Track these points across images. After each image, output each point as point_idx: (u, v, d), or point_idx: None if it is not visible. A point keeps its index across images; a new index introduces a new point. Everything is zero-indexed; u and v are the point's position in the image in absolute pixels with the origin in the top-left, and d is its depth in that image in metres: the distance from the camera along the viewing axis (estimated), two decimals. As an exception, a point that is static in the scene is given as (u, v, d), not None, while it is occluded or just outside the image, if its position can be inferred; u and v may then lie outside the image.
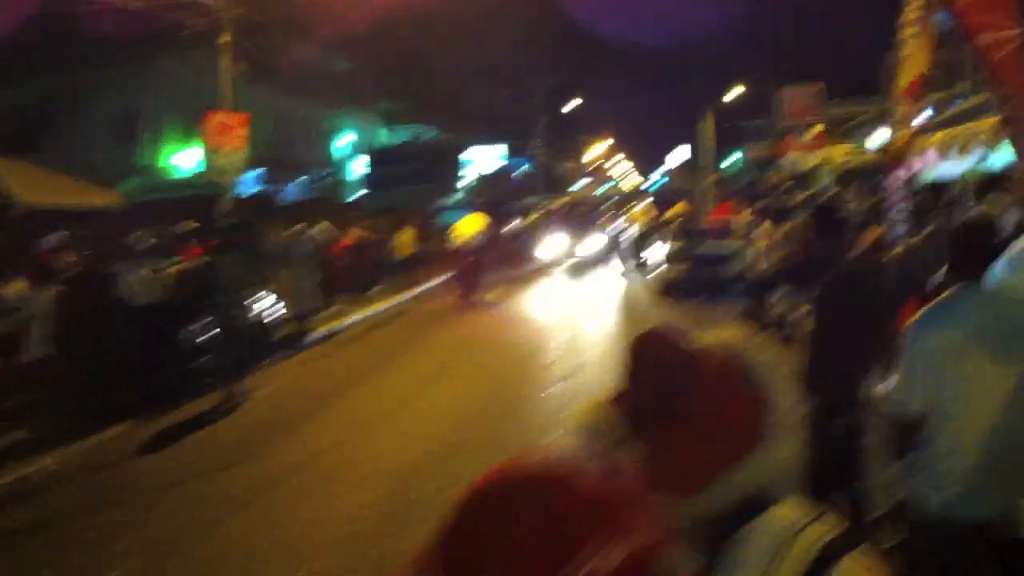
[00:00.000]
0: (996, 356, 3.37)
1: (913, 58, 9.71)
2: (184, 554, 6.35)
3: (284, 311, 14.86)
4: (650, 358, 1.52)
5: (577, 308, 18.93)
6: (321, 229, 19.49)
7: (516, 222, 45.31)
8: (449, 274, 20.78)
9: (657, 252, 20.98)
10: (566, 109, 60.54)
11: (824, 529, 1.47)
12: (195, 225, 15.06)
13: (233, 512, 7.14)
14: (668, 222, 20.90)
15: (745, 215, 15.87)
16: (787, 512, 1.49)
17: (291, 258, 15.93)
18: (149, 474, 8.33)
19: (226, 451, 8.92)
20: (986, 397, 3.37)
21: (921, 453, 3.48)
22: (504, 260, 25.06)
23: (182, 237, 14.60)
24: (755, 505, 1.48)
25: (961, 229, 3.77)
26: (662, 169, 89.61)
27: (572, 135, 75.52)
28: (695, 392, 1.47)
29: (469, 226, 20.90)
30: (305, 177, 40.17)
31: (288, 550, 6.28)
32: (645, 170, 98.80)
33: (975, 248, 3.58)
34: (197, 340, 11.60)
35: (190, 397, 11.10)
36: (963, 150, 7.90)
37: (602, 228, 26.89)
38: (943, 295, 3.78)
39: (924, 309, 3.68)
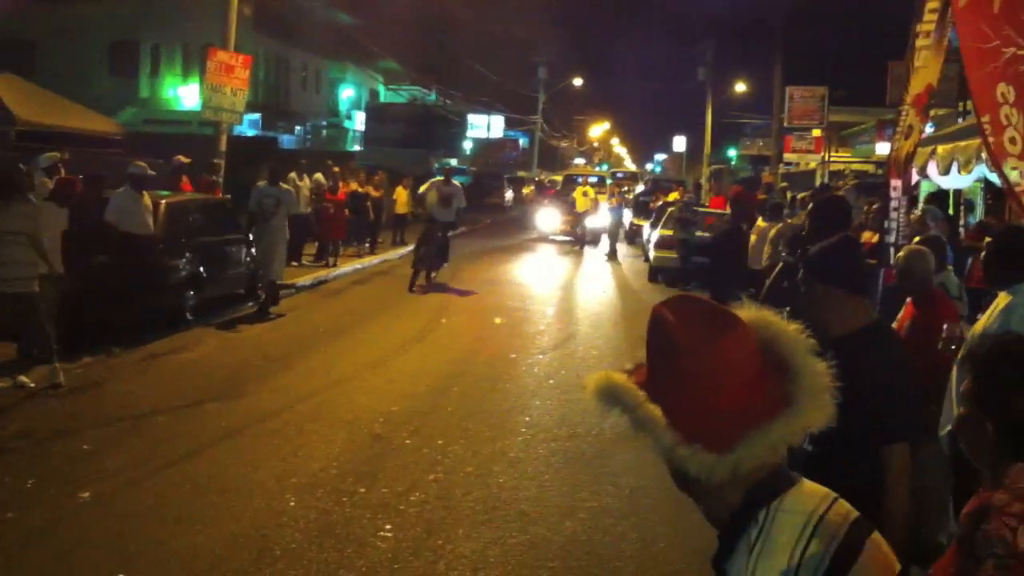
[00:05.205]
0: None
1: (924, 70, 9.73)
2: (146, 486, 6.30)
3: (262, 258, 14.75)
4: (671, 321, 1.55)
5: (567, 283, 19.03)
6: (315, 179, 19.44)
7: (508, 194, 45.14)
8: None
9: (648, 238, 21.10)
10: (566, 88, 60.33)
11: (845, 512, 1.54)
12: (188, 161, 14.96)
13: (204, 448, 7.13)
14: (661, 210, 20.93)
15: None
16: (807, 496, 1.55)
17: (280, 206, 15.79)
18: (126, 403, 8.32)
19: (201, 389, 8.88)
20: None
21: None
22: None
23: (174, 171, 14.52)
24: (778, 482, 1.55)
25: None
26: (658, 157, 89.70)
27: (570, 114, 75.34)
28: (718, 353, 1.51)
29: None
30: (300, 128, 39.92)
31: (259, 489, 6.28)
32: (640, 157, 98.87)
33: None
34: (180, 276, 11.56)
35: (169, 332, 11.10)
36: (964, 167, 7.97)
37: (595, 208, 26.86)
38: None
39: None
